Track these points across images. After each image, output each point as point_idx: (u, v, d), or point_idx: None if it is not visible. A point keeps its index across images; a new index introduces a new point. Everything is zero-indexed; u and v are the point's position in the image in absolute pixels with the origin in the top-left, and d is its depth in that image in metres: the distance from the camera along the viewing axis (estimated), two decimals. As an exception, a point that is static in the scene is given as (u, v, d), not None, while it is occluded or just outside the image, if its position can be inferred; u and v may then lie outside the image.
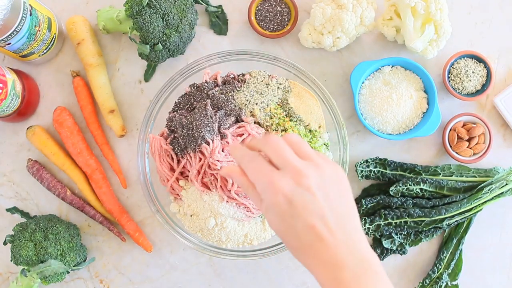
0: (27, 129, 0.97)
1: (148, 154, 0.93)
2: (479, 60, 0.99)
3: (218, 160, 0.85)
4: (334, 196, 0.60)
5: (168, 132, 0.91)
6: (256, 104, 0.91)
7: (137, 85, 1.01)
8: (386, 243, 0.97)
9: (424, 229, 0.96)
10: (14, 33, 0.84)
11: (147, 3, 0.89)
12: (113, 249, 1.00)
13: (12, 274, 0.99)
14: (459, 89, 0.99)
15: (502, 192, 0.95)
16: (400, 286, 1.01)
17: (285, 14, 0.99)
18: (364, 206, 0.96)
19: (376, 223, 0.95)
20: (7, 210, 0.98)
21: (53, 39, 0.95)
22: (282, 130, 0.90)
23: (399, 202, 0.96)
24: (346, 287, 0.57)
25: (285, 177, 0.59)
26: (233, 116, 0.90)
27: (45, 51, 0.95)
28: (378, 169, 0.97)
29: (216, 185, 0.87)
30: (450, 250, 0.98)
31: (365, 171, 0.97)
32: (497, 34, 1.02)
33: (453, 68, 0.99)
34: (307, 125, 0.93)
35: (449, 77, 0.99)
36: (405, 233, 0.97)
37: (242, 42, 1.01)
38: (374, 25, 0.96)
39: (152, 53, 0.92)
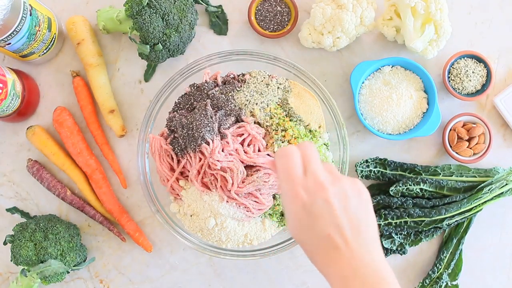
0: (27, 129, 0.97)
1: (148, 154, 0.93)
2: (479, 60, 0.99)
3: (218, 160, 0.85)
4: (353, 208, 0.62)
5: (168, 132, 0.91)
6: (256, 104, 0.91)
7: (137, 85, 1.01)
8: (386, 243, 0.97)
9: (424, 229, 0.96)
10: (14, 33, 0.84)
11: (147, 3, 0.89)
12: (113, 249, 1.00)
13: (12, 274, 0.99)
14: (459, 89, 0.99)
15: (502, 192, 0.95)
16: (400, 286, 1.01)
17: (285, 14, 0.99)
18: (364, 206, 0.96)
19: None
20: (7, 210, 0.98)
21: (53, 39, 0.95)
22: (282, 130, 0.89)
23: (399, 202, 0.96)
24: None
25: (306, 186, 0.61)
26: (233, 116, 0.90)
27: (45, 51, 0.95)
28: (378, 169, 0.97)
29: (216, 185, 0.87)
30: (450, 250, 0.98)
31: (365, 171, 0.97)
32: (497, 34, 1.02)
33: (453, 68, 0.99)
34: (307, 125, 0.93)
35: (449, 77, 0.99)
36: (405, 233, 0.97)
37: (242, 42, 1.01)
38: (374, 25, 0.96)
39: (152, 53, 0.92)
